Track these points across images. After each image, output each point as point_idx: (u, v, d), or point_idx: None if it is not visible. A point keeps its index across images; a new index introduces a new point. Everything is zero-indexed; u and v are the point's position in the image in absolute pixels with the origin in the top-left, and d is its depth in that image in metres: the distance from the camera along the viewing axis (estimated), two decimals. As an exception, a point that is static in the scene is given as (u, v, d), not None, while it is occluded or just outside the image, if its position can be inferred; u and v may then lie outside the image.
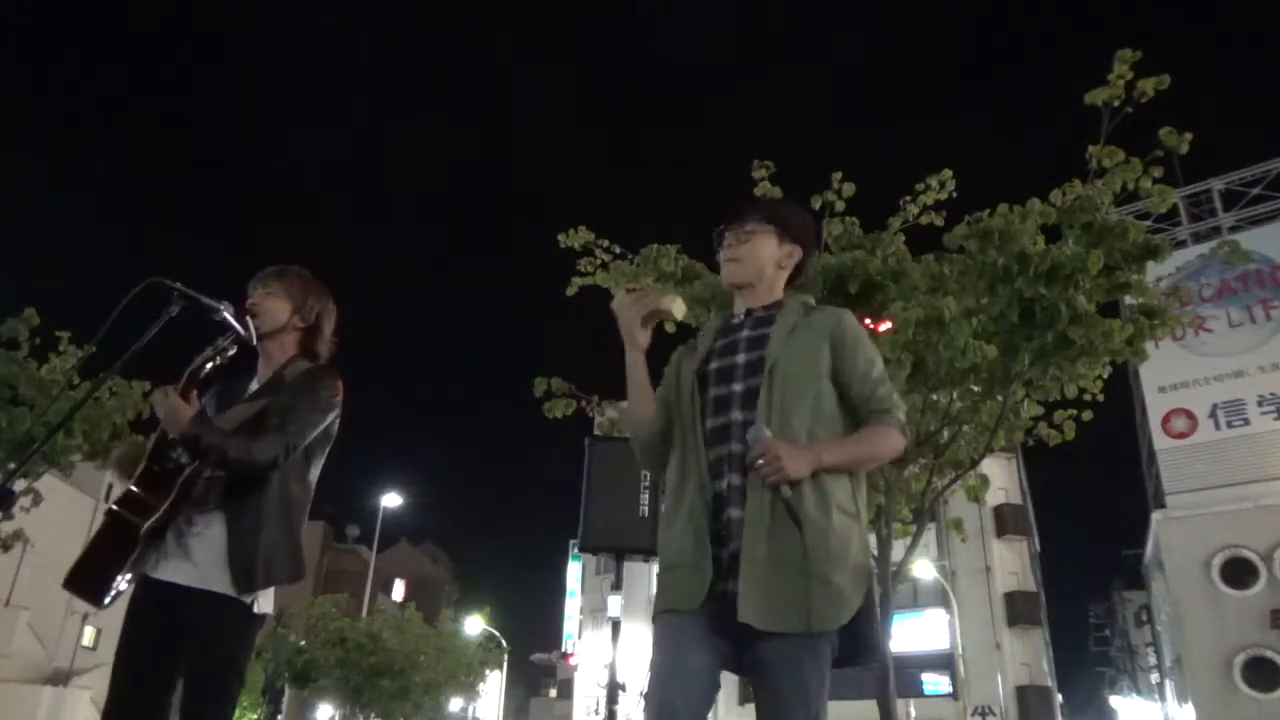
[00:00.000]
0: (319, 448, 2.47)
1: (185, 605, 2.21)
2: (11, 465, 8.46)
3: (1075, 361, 6.36)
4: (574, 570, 40.40)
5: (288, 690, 26.26)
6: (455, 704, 29.56)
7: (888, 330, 6.09)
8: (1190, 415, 25.06)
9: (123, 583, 2.24)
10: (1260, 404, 24.22)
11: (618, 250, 7.62)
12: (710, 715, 1.87)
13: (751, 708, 1.83)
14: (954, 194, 6.98)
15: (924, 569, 23.36)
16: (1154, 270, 6.67)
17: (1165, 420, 25.42)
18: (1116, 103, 5.92)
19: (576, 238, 7.60)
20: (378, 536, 29.99)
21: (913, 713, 24.46)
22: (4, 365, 9.05)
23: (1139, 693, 40.80)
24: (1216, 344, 24.98)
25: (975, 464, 7.56)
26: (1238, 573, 22.65)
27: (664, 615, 1.89)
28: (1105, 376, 6.90)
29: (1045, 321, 5.83)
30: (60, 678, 25.40)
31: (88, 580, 2.22)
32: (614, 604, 5.40)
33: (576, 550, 14.14)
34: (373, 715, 23.82)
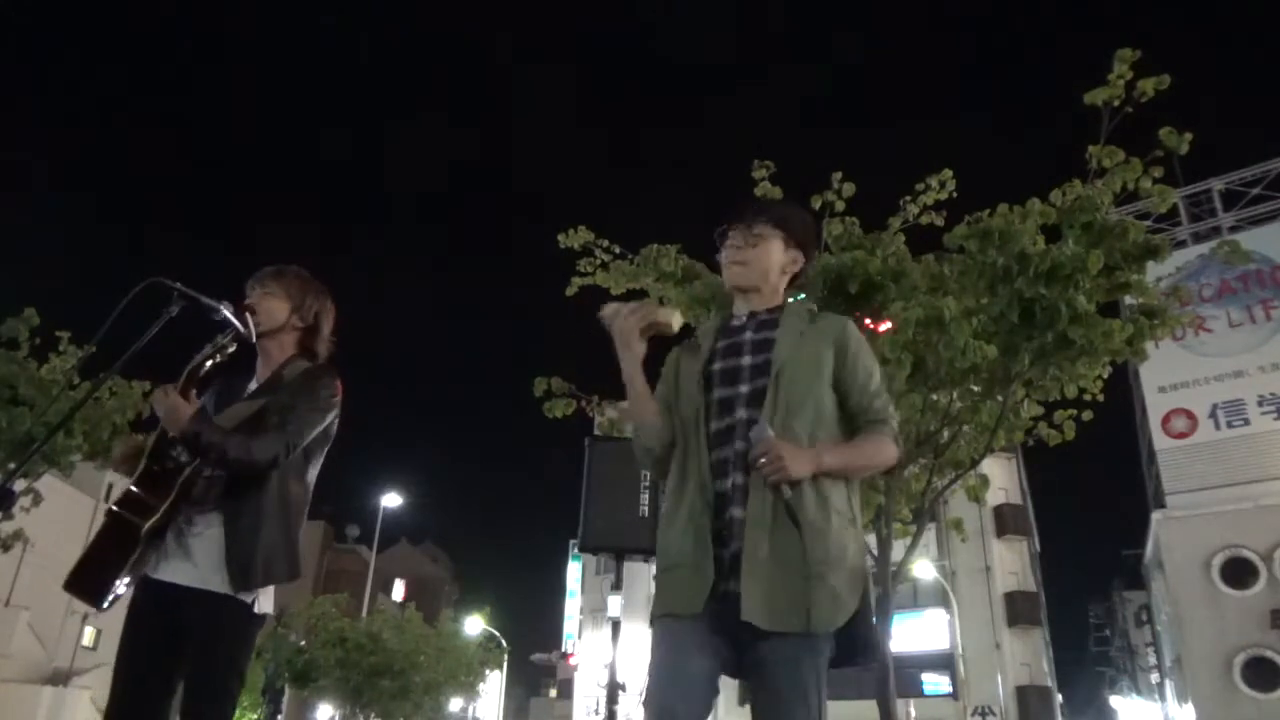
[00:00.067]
0: (318, 447, 2.47)
1: (185, 605, 2.21)
2: (11, 465, 8.46)
3: (1075, 361, 6.36)
4: (574, 570, 40.46)
5: (288, 690, 26.27)
6: (455, 704, 29.58)
7: (888, 330, 6.09)
8: (1190, 415, 25.07)
9: (121, 586, 2.23)
10: (1260, 404, 24.22)
11: (618, 250, 7.62)
12: (710, 717, 1.87)
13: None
14: (954, 194, 6.99)
15: (924, 569, 23.36)
16: (1154, 270, 6.67)
17: (1165, 420, 25.42)
18: (1116, 103, 5.92)
19: (576, 238, 7.59)
20: (378, 536, 30.07)
21: (913, 713, 24.49)
22: (4, 365, 9.05)
23: (1139, 693, 40.80)
24: (1216, 344, 24.98)
25: (975, 464, 7.56)
26: (1238, 573, 22.64)
27: (663, 619, 1.88)
28: (1105, 376, 6.90)
29: (1045, 321, 5.82)
30: (60, 678, 25.39)
31: (88, 582, 2.22)
32: (614, 604, 5.39)
33: (576, 550, 14.13)
34: (373, 715, 23.83)
